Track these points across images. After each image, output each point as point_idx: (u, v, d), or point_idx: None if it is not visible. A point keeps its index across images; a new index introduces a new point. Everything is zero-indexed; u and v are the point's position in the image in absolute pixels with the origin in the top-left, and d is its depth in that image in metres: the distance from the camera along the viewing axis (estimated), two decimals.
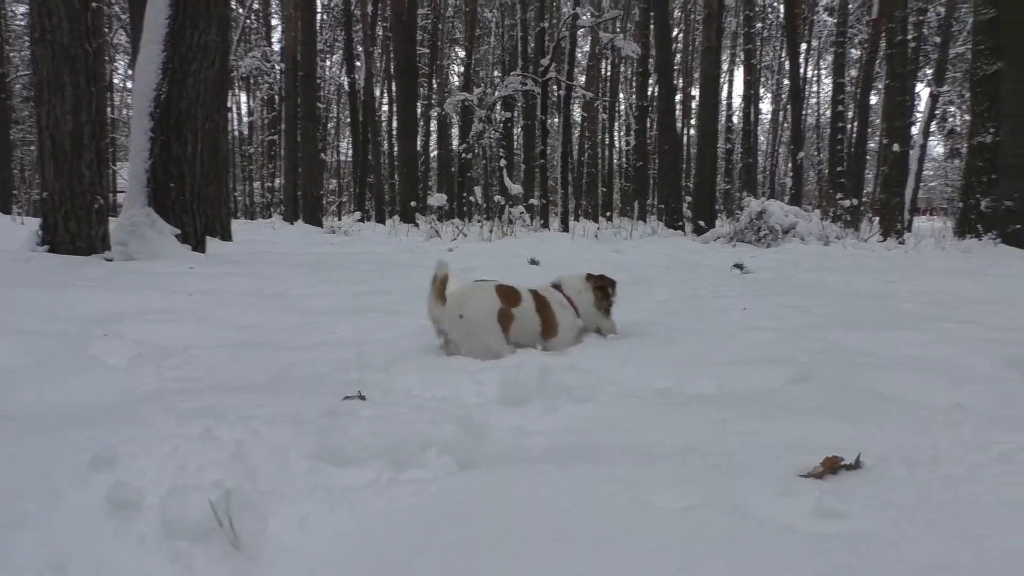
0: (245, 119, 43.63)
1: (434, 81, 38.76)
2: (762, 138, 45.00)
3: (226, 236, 11.23)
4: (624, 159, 42.98)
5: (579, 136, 38.40)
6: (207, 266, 6.81)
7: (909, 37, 23.51)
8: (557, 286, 3.66)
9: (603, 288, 3.70)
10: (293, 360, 3.04)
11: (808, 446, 1.75)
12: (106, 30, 28.88)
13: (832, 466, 1.61)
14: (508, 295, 3.41)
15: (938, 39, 29.08)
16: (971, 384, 2.51)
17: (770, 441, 1.81)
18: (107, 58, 32.02)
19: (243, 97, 43.21)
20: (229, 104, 35.74)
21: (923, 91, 33.68)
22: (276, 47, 37.12)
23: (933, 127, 32.98)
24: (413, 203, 17.86)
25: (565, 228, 20.58)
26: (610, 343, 3.53)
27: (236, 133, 41.72)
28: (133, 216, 7.40)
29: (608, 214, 33.89)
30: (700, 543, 1.19)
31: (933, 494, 1.47)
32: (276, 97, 35.93)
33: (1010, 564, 1.19)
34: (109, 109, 34.25)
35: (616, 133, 43.23)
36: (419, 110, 30.22)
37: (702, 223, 17.70)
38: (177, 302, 4.66)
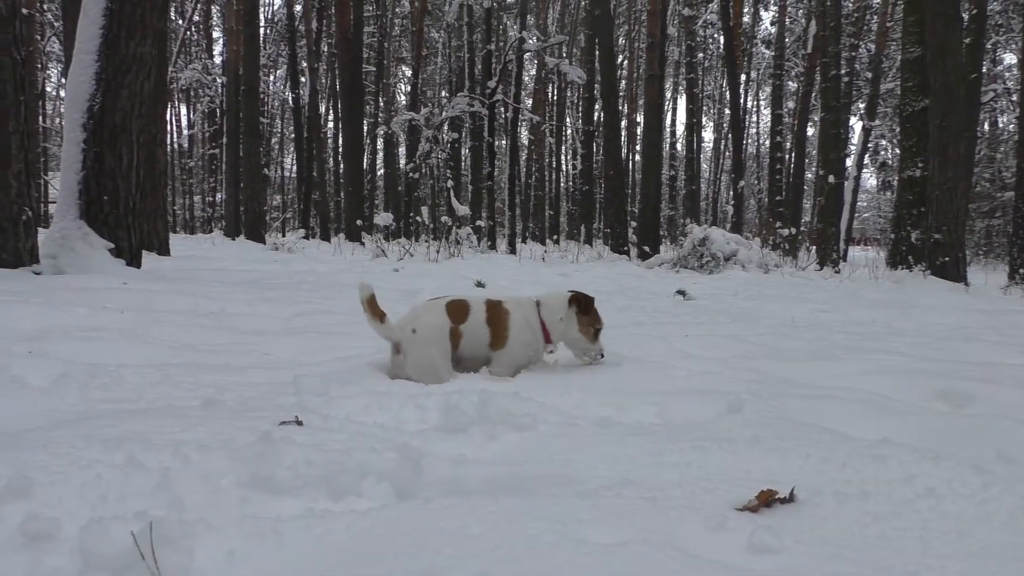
0: (185, 132, 42.76)
1: (380, 99, 38.65)
2: (705, 166, 46.01)
3: (163, 251, 10.95)
4: (571, 183, 43.43)
5: (526, 159, 38.69)
6: (142, 282, 6.60)
7: (842, 72, 24.44)
8: (537, 303, 3.52)
9: (589, 311, 3.48)
10: (228, 382, 2.96)
11: (743, 478, 1.78)
12: (38, 37, 28.06)
13: (767, 500, 1.63)
14: (457, 311, 3.40)
15: (869, 75, 30.28)
16: (900, 416, 2.58)
17: (706, 473, 1.82)
18: (39, 66, 31.07)
19: (183, 109, 42.37)
20: (168, 116, 35.00)
21: (856, 124, 35.02)
22: (218, 60, 36.59)
23: (866, 160, 34.23)
24: (359, 222, 17.70)
25: (512, 250, 20.64)
26: (554, 369, 3.53)
27: (176, 146, 40.83)
28: (64, 229, 7.15)
29: (555, 237, 34.16)
30: None
31: (862, 530, 1.50)
32: (218, 110, 35.33)
33: None
34: (41, 118, 33.19)
35: (563, 157, 43.69)
36: (365, 128, 30.07)
37: (647, 248, 17.96)
38: (107, 319, 4.51)
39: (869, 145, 32.87)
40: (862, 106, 33.74)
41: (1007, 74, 34.73)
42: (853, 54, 30.12)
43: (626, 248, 19.02)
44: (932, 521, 1.51)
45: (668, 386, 3.06)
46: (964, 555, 1.35)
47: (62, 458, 1.66)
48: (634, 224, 21.00)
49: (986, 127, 36.42)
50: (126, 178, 7.64)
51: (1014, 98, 30.37)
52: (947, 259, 12.09)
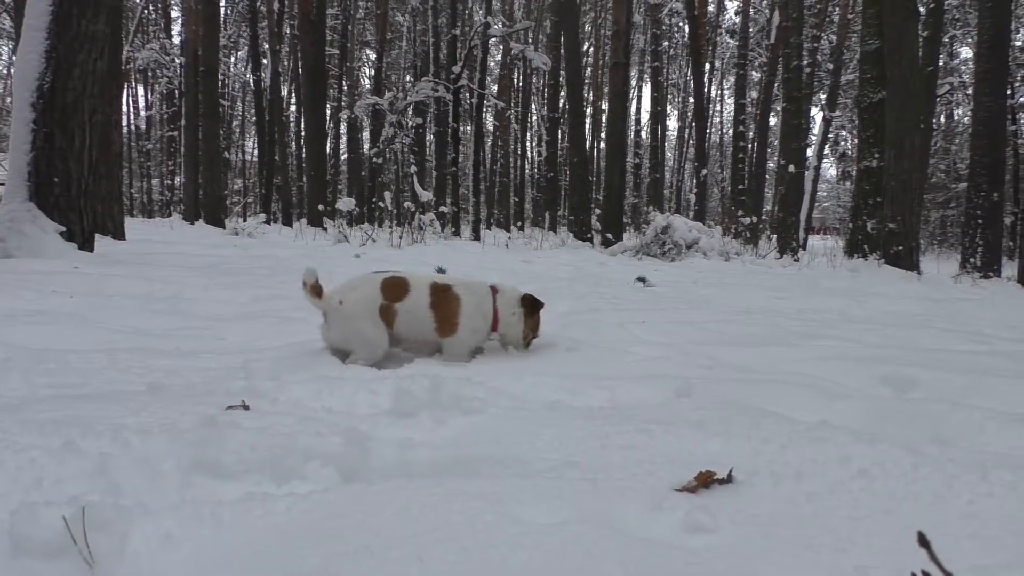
0: (143, 113, 41.83)
1: (344, 83, 38.21)
2: (669, 154, 46.35)
3: (118, 235, 10.72)
4: (536, 169, 43.44)
5: (491, 145, 38.59)
6: (94, 266, 6.47)
7: (804, 63, 24.75)
8: (493, 289, 3.50)
9: (534, 314, 3.55)
10: (176, 367, 2.92)
11: (685, 460, 1.81)
12: None
13: (705, 480, 1.66)
14: (394, 289, 3.31)
15: (831, 66, 30.69)
16: (843, 401, 2.64)
17: (649, 455, 1.85)
18: None
19: (141, 90, 41.44)
20: (124, 97, 34.21)
21: (817, 115, 35.51)
22: (176, 39, 35.81)
23: (827, 150, 34.76)
24: (321, 207, 17.51)
25: (476, 237, 20.61)
26: (510, 355, 3.54)
27: (133, 128, 39.95)
28: (12, 211, 6.98)
29: (520, 224, 34.15)
30: (567, 558, 1.21)
31: (796, 508, 1.53)
32: (176, 92, 34.64)
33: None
34: None
35: (528, 143, 43.67)
36: (328, 112, 29.70)
37: (610, 236, 18.05)
38: (56, 303, 4.41)
39: (829, 135, 33.38)
40: (823, 97, 34.22)
41: (963, 67, 35.46)
42: (815, 45, 30.49)
43: (589, 235, 19.11)
44: (863, 500, 1.55)
45: (621, 371, 3.09)
46: (890, 532, 1.39)
47: None
48: (598, 211, 21.08)
49: (942, 119, 37.21)
50: (78, 159, 7.46)
51: (969, 91, 30.98)
52: (901, 248, 12.34)
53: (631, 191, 37.91)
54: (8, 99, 34.93)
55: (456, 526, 1.30)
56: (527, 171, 42.70)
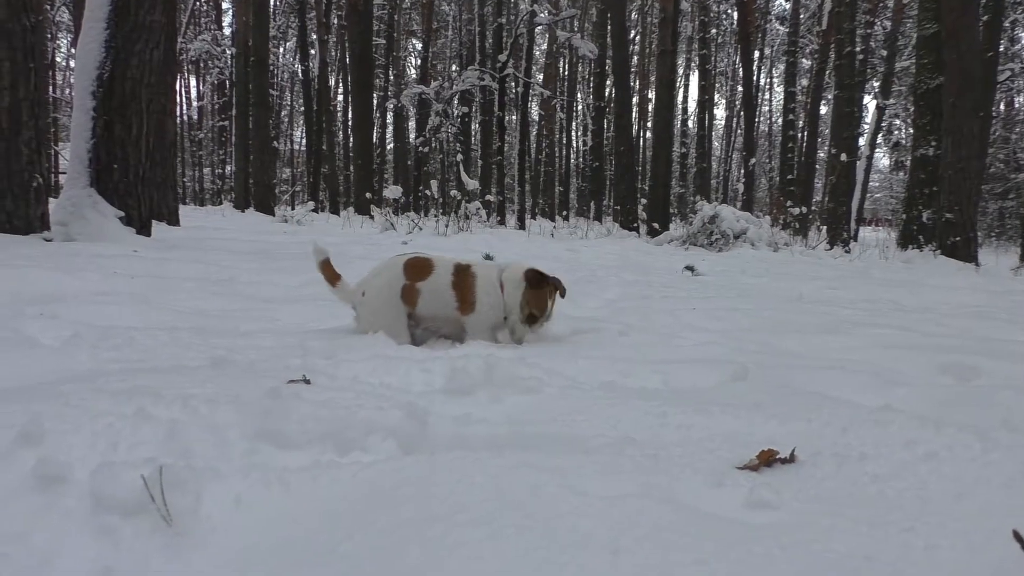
0: (195, 103, 42.69)
1: (390, 72, 38.45)
2: (716, 143, 45.74)
3: (173, 221, 10.99)
4: (581, 159, 43.24)
5: (536, 134, 38.51)
6: (152, 250, 6.65)
7: (857, 49, 24.15)
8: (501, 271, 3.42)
9: (537, 288, 3.27)
10: (236, 345, 2.99)
11: (744, 440, 1.79)
12: (48, 7, 27.97)
13: (767, 459, 1.64)
14: (417, 269, 3.33)
15: (884, 52, 29.91)
16: (904, 387, 2.59)
17: (707, 434, 1.84)
18: (49, 35, 31.02)
19: (193, 81, 42.29)
20: (178, 88, 34.92)
21: (870, 103, 34.66)
22: (227, 31, 36.41)
23: (879, 139, 33.92)
24: (368, 195, 17.68)
25: (521, 225, 20.63)
26: (560, 339, 3.54)
27: (185, 118, 40.81)
28: (74, 197, 7.19)
29: (564, 213, 34.09)
30: (631, 529, 1.21)
31: (860, 489, 1.51)
32: (227, 82, 35.25)
33: (932, 555, 1.23)
34: (51, 88, 33.18)
35: (574, 132, 43.46)
36: (375, 101, 29.95)
37: (656, 225, 17.91)
38: (118, 284, 4.54)
39: (883, 124, 32.55)
40: (876, 84, 33.36)
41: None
42: (868, 31, 29.70)
43: (635, 225, 18.98)
44: (931, 483, 1.52)
45: (673, 355, 3.07)
46: (961, 515, 1.36)
47: (73, 409, 1.69)
48: (644, 201, 20.91)
49: (1002, 107, 36.00)
50: (136, 147, 7.66)
51: None
52: (958, 239, 12.01)
53: (677, 181, 37.55)
54: (67, 90, 35.94)
55: (520, 495, 1.31)
56: (572, 160, 42.51)
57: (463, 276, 3.33)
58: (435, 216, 15.73)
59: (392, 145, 40.11)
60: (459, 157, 20.57)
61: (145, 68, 7.67)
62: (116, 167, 7.53)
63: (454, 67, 38.65)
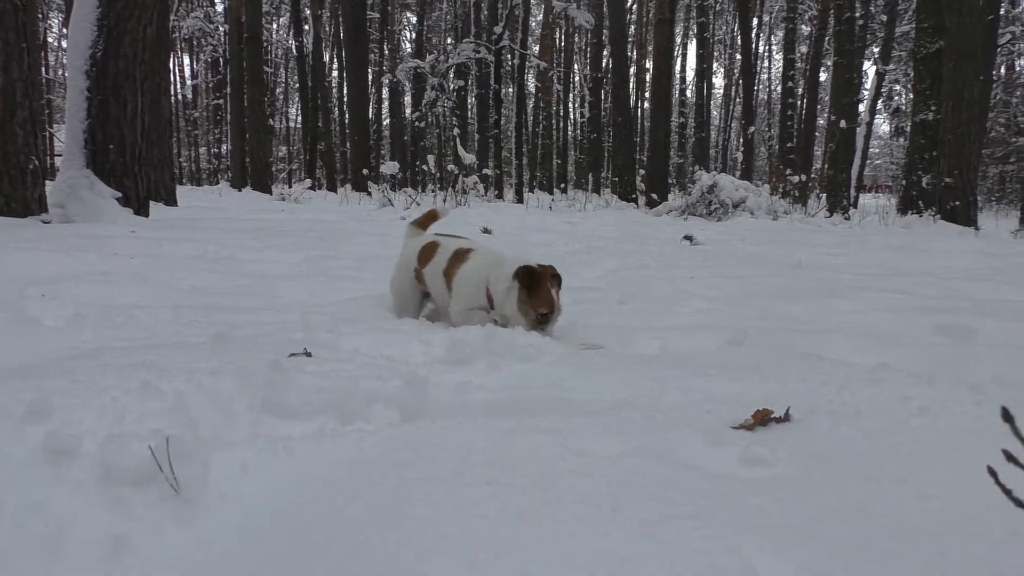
0: (189, 82, 42.39)
1: (385, 47, 38.14)
2: (715, 112, 45.45)
3: (171, 201, 10.96)
4: (579, 131, 43.00)
5: (533, 107, 38.27)
6: (150, 230, 6.65)
7: (856, 15, 23.93)
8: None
9: (532, 291, 2.89)
10: (237, 321, 3.01)
11: (741, 401, 1.82)
12: None
13: (762, 419, 1.67)
14: (426, 252, 3.37)
15: (884, 17, 29.59)
16: (901, 348, 2.61)
17: (705, 397, 1.87)
18: (40, 15, 30.74)
19: (186, 60, 41.94)
20: (171, 67, 34.66)
21: (870, 69, 34.35)
22: (220, 7, 36.04)
23: (879, 105, 33.68)
24: (365, 171, 17.63)
25: (519, 199, 20.57)
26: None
27: (180, 97, 40.54)
28: (71, 178, 7.18)
29: (563, 186, 33.94)
30: (631, 486, 1.24)
31: (855, 444, 1.54)
32: (221, 60, 34.97)
33: (923, 505, 1.26)
34: (44, 69, 32.95)
35: (571, 104, 43.17)
36: (370, 76, 29.73)
37: (655, 196, 17.87)
38: (118, 264, 4.56)
39: (883, 90, 32.29)
40: (876, 50, 33.04)
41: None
42: None
43: (634, 196, 18.94)
44: (924, 437, 1.55)
45: (672, 322, 3.10)
46: (954, 465, 1.39)
47: (80, 384, 1.72)
48: (642, 172, 20.84)
49: (1002, 71, 35.69)
50: (131, 126, 7.62)
51: None
52: (958, 203, 11.99)
53: (676, 151, 37.36)
54: (60, 71, 35.68)
55: (521, 457, 1.34)
56: (570, 133, 42.28)
57: (455, 261, 3.18)
58: (432, 191, 15.69)
59: (388, 121, 39.88)
60: (456, 131, 20.48)
61: (138, 46, 7.62)
62: (112, 147, 7.50)
63: (449, 40, 38.31)
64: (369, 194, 17.56)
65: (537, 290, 2.88)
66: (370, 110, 28.46)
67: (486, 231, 7.91)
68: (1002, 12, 25.78)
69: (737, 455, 1.45)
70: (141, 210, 7.67)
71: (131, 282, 4.00)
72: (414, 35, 37.60)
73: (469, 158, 14.99)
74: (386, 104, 39.90)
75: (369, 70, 27.71)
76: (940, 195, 12.42)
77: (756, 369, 2.09)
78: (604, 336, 2.80)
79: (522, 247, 6.42)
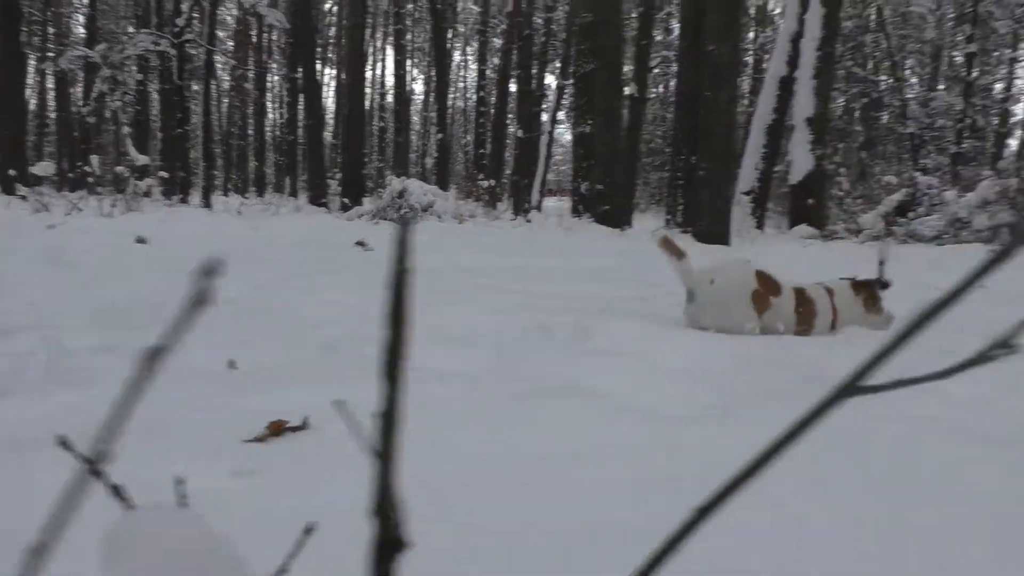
0: None
1: (49, 30, 33.91)
2: (416, 118, 46.57)
3: None
4: (277, 132, 41.69)
5: (228, 106, 36.38)
6: None
7: (539, 32, 25.99)
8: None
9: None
10: None
11: (263, 413, 1.92)
12: None
13: (278, 429, 1.79)
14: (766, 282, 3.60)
15: (564, 35, 32.46)
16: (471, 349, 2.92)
17: (240, 410, 1.95)
18: None
19: None
20: None
21: (553, 82, 37.45)
22: None
23: (561, 115, 36.86)
24: (12, 172, 15.50)
25: (206, 203, 19.43)
26: None
27: None
28: None
29: (260, 189, 32.71)
30: None
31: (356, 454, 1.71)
32: None
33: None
34: None
35: (269, 104, 41.71)
36: (33, 63, 26.25)
37: (347, 201, 17.95)
38: None
39: (563, 102, 35.39)
40: (559, 65, 36.11)
41: (676, 43, 39.02)
42: (550, 15, 32.05)
43: (325, 200, 18.86)
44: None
45: (253, 335, 3.16)
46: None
47: None
48: (340, 175, 20.81)
49: (661, 89, 40.84)
50: None
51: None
52: (608, 207, 13.57)
53: (377, 155, 37.74)
54: None
55: None
56: (267, 133, 40.80)
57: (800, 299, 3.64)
58: (98, 195, 14.23)
59: (57, 115, 35.46)
60: (125, 129, 18.77)
61: None
62: None
63: (130, 29, 35.00)
64: (24, 198, 15.47)
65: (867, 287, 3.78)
66: (30, 102, 25.07)
67: (141, 240, 7.38)
68: (657, 39, 29.52)
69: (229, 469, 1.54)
70: None
71: None
72: (85, 20, 33.75)
73: (142, 159, 13.89)
74: (52, 96, 35.40)
75: (29, 56, 24.43)
76: (595, 200, 13.97)
77: (328, 378, 2.22)
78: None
79: (183, 259, 6.09)
